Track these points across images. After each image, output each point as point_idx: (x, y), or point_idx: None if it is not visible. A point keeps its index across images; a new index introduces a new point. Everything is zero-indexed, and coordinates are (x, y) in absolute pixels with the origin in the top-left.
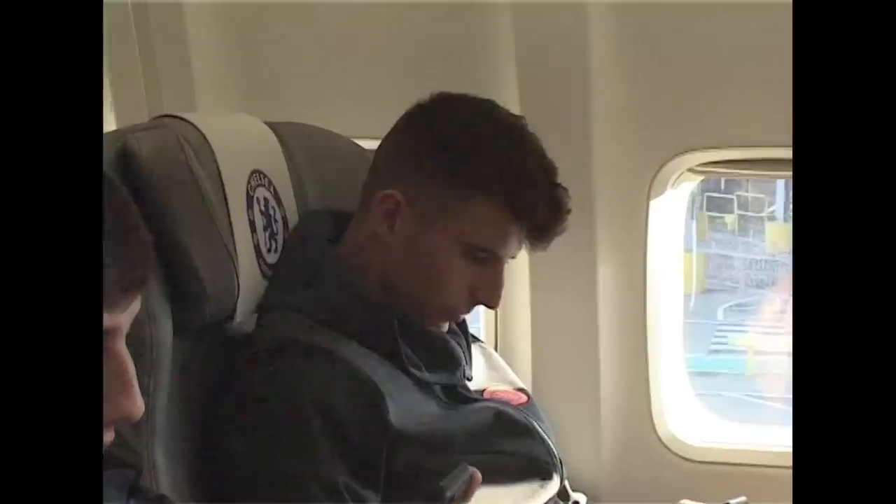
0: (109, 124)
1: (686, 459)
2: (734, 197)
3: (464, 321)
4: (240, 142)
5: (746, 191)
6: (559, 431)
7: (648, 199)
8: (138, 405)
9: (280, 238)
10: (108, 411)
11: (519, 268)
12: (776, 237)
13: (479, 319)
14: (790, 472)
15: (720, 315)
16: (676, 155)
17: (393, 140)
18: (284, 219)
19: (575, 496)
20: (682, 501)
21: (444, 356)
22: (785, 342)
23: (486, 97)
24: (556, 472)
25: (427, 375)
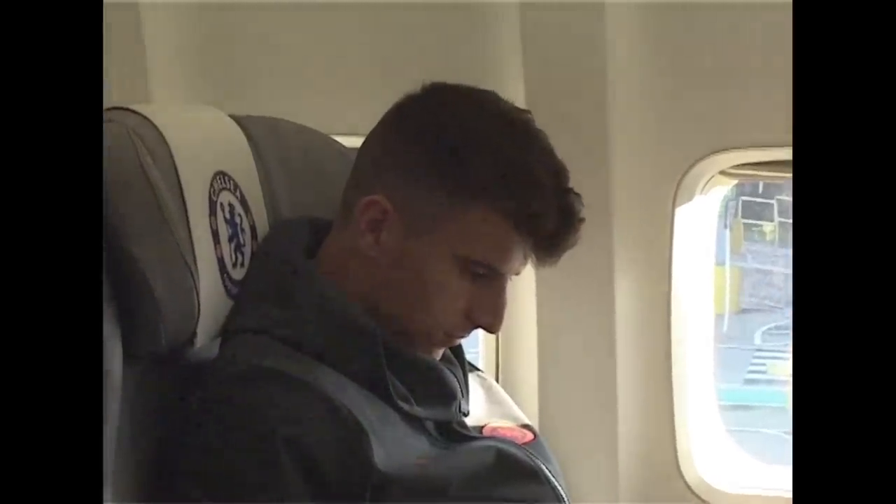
0: None
1: None
2: (774, 202)
3: (460, 347)
4: (201, 139)
5: (788, 194)
6: (570, 474)
7: (674, 207)
8: None
9: (247, 250)
10: None
11: (524, 285)
12: None
13: (477, 345)
14: None
15: (757, 339)
16: (706, 156)
17: (379, 137)
18: (253, 228)
19: None
20: None
21: (437, 387)
22: None
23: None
24: None
25: (417, 410)
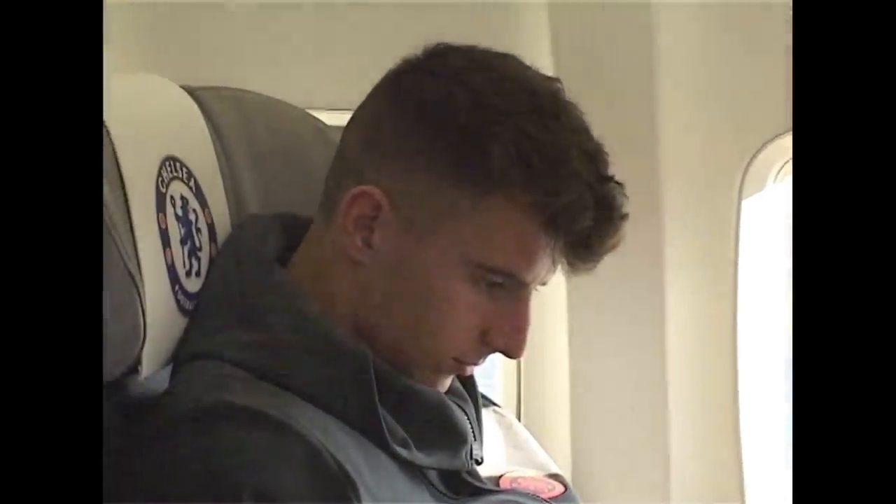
0: None
1: None
2: None
3: (472, 377)
4: (146, 115)
5: None
6: None
7: (739, 199)
8: None
9: (205, 255)
10: None
11: (553, 299)
12: None
13: (494, 374)
14: None
15: None
16: (779, 136)
17: (370, 113)
18: (211, 227)
19: None
20: None
21: (443, 428)
22: None
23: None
24: None
25: (418, 456)
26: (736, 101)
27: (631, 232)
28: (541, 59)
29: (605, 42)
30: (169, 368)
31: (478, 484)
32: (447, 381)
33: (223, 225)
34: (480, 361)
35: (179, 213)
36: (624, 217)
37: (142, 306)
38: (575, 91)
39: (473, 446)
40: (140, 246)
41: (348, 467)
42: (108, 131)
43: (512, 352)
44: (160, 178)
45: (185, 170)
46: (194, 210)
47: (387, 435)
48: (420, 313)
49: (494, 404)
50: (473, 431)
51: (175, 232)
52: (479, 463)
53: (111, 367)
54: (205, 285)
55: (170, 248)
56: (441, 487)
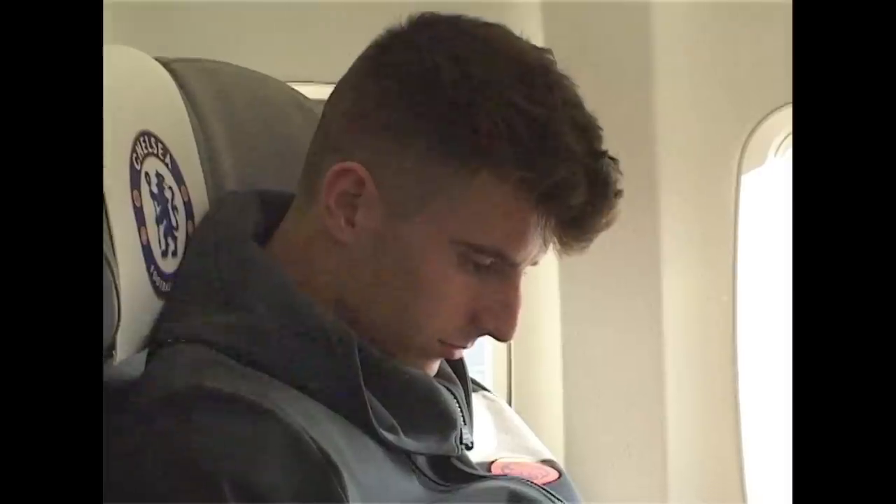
0: None
1: None
2: None
3: (461, 361)
4: (119, 88)
5: None
6: None
7: (738, 175)
8: None
9: (181, 235)
10: None
11: (544, 280)
12: None
13: (483, 358)
14: None
15: None
16: (782, 107)
17: (353, 86)
18: (188, 205)
19: None
20: None
21: (431, 413)
22: None
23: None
24: None
25: (406, 442)
26: (734, 73)
27: (625, 209)
28: (531, 28)
29: (599, 11)
30: (144, 353)
31: (468, 470)
32: (435, 365)
33: (200, 203)
34: (469, 345)
35: (155, 190)
36: (618, 194)
37: (116, 288)
38: (567, 63)
39: (463, 430)
40: (113, 225)
41: (332, 453)
42: None
43: (502, 334)
44: (134, 155)
45: (160, 145)
46: (170, 187)
47: (373, 419)
48: (405, 295)
49: (485, 389)
50: (463, 415)
51: (150, 210)
52: (469, 448)
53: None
54: (181, 266)
55: (145, 227)
56: (430, 474)
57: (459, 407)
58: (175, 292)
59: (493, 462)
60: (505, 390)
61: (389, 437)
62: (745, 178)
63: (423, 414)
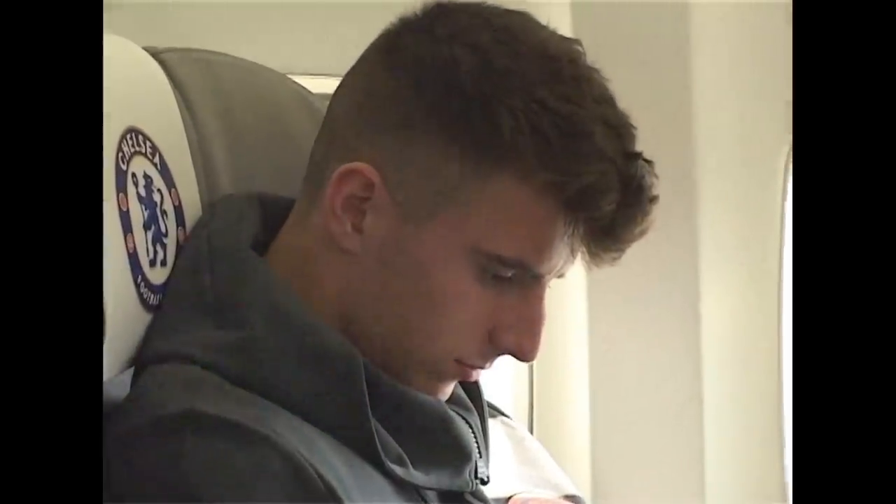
0: None
1: None
2: None
3: (477, 384)
4: (105, 81)
5: None
6: None
7: (784, 181)
8: None
9: (172, 242)
10: None
11: (571, 292)
12: None
13: (502, 380)
14: None
15: None
16: None
17: (361, 80)
18: (179, 210)
19: None
20: None
21: (443, 443)
22: None
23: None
24: None
25: (416, 475)
26: (779, 73)
27: (661, 217)
28: (560, 27)
29: (635, 10)
30: (130, 372)
31: None
32: (449, 388)
33: (192, 208)
34: (487, 365)
35: (142, 193)
36: (653, 200)
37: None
38: (599, 58)
39: (479, 463)
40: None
41: (334, 484)
42: None
43: (523, 354)
44: (120, 154)
45: (148, 144)
46: (159, 190)
47: (380, 450)
48: (417, 309)
49: (503, 414)
50: (479, 446)
51: (137, 215)
52: (484, 483)
53: None
54: (171, 277)
55: (131, 233)
56: None
57: (475, 437)
58: (164, 306)
59: (510, 498)
60: (526, 416)
61: (397, 469)
62: (791, 186)
63: (434, 445)
